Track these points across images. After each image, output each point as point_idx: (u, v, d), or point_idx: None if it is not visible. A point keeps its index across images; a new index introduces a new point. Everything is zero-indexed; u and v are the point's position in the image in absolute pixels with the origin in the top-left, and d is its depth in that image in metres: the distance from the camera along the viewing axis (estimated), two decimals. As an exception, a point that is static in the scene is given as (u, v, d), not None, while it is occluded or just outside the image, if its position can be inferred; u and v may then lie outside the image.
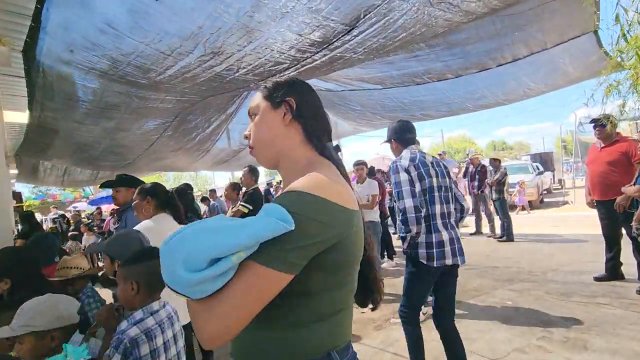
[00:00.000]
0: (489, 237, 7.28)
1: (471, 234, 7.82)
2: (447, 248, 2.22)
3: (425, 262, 2.19)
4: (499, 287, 4.24)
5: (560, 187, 18.43)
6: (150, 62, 2.59)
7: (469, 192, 7.81)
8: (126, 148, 5.89)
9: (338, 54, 2.96)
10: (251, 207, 3.75)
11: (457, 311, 2.67)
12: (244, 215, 3.71)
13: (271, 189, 10.26)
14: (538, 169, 13.33)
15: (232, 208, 4.08)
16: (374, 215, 4.99)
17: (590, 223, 5.74)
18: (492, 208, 7.37)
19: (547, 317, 3.26)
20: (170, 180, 23.23)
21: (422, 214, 2.19)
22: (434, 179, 2.24)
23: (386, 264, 5.77)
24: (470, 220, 8.62)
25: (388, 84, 5.48)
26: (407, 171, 2.23)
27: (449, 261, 2.21)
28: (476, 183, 7.61)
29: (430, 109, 6.45)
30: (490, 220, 7.44)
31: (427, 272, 2.23)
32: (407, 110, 6.50)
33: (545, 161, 16.66)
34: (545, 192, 14.10)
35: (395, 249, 5.99)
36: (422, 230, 2.19)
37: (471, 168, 7.72)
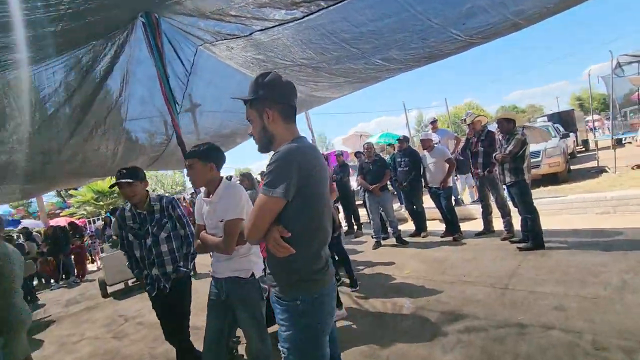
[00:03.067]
0: (505, 239, 4.85)
1: (477, 235, 5.39)
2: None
3: None
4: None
5: (584, 149, 15.80)
6: None
7: (472, 174, 5.33)
8: None
9: None
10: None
11: None
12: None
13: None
14: (560, 131, 10.61)
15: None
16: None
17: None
18: (506, 195, 4.89)
19: None
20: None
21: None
22: None
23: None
24: (475, 209, 6.16)
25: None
26: None
27: None
28: (481, 160, 5.11)
29: (392, 48, 3.94)
30: (506, 214, 4.98)
31: None
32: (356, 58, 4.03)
33: (565, 121, 13.84)
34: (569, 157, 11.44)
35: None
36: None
37: (472, 138, 5.20)
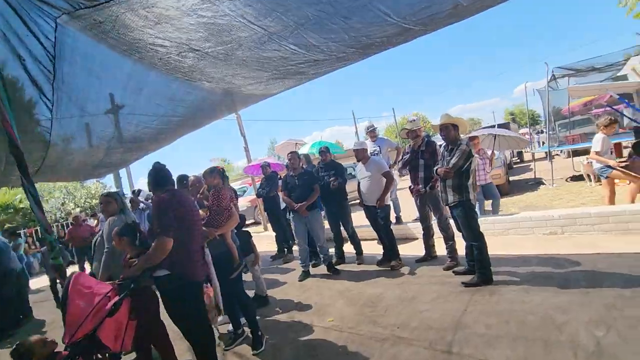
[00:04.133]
0: (448, 268, 4.09)
1: (418, 261, 4.60)
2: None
3: None
4: None
5: (519, 161, 16.43)
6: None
7: (411, 191, 4.54)
8: None
9: None
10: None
11: None
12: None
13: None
14: (499, 142, 10.54)
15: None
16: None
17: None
18: (449, 216, 4.14)
19: None
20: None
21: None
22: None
23: None
24: (415, 227, 5.41)
25: None
26: None
27: None
28: (422, 174, 4.34)
29: (307, 30, 2.99)
30: (449, 238, 4.24)
31: None
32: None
33: (502, 133, 14.17)
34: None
35: None
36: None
37: (408, 148, 4.42)
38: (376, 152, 6.02)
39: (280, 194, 5.10)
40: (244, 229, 4.41)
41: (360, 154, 4.83)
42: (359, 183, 4.94)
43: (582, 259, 3.62)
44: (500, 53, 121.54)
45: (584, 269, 3.41)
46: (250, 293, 4.09)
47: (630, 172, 4.77)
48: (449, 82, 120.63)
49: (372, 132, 6.16)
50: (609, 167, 4.84)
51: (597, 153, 4.94)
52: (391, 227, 5.90)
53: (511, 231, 4.91)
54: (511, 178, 10.40)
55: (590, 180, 7.73)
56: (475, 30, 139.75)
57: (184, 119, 5.56)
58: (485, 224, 5.14)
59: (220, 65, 3.86)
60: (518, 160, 16.21)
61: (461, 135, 3.87)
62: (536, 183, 9.12)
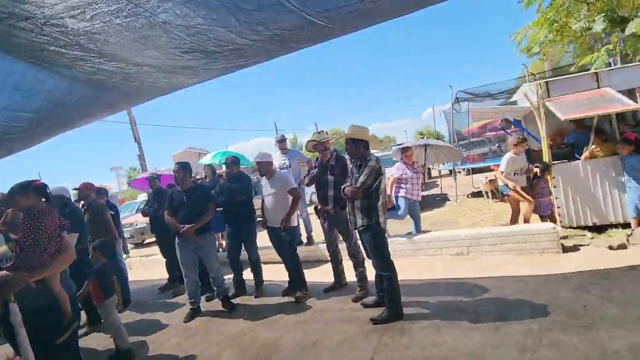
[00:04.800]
0: (357, 299, 3.62)
1: (326, 290, 4.07)
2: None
3: None
4: None
5: (428, 176, 17.64)
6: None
7: (318, 212, 4.01)
8: None
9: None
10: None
11: None
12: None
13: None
14: (410, 158, 10.99)
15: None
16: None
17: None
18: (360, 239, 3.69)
19: None
20: None
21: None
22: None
23: None
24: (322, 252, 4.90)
25: None
26: None
27: None
28: (331, 193, 3.85)
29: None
30: (359, 264, 3.80)
31: None
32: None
33: (413, 150, 15.10)
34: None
35: None
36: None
37: (315, 162, 3.92)
38: (285, 165, 5.43)
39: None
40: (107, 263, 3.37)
41: (264, 168, 4.17)
42: (263, 201, 4.26)
43: (490, 283, 3.47)
44: (414, 76, 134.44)
45: (491, 296, 3.22)
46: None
47: (523, 194, 4.98)
48: (370, 100, 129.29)
49: (281, 142, 5.54)
50: (508, 186, 5.01)
51: (502, 173, 5.07)
52: (305, 246, 5.33)
53: (421, 252, 4.72)
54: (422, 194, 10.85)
55: (489, 197, 8.30)
56: (395, 52, 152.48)
57: (42, 116, 4.26)
58: (395, 244, 4.90)
59: (73, 46, 2.87)
60: (427, 177, 17.42)
61: (372, 151, 3.49)
62: (442, 199, 9.58)
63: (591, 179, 4.80)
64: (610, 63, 6.25)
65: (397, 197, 5.33)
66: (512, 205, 5.22)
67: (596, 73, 4.90)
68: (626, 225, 4.52)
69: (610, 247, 3.85)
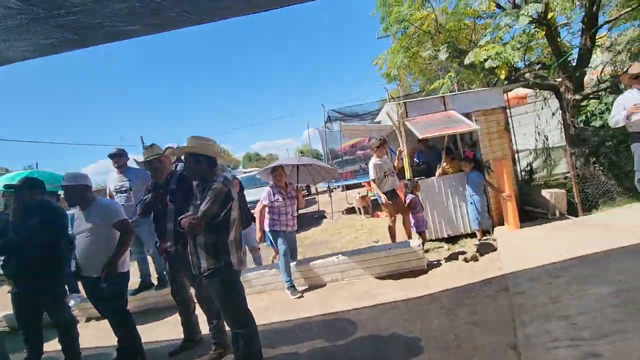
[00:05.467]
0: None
1: (172, 354, 3.07)
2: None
3: None
4: None
5: (307, 193, 17.82)
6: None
7: (157, 250, 3.03)
8: None
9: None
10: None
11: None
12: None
13: None
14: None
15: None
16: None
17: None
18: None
19: None
20: None
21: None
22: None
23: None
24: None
25: None
26: None
27: None
28: (170, 225, 2.91)
29: None
30: (213, 316, 2.95)
31: None
32: None
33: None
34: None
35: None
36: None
37: (151, 186, 2.98)
38: (124, 188, 4.20)
39: None
40: None
41: (74, 195, 2.95)
42: (71, 243, 3.01)
43: (364, 315, 3.14)
44: (294, 98, 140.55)
45: (366, 332, 2.84)
46: None
47: (390, 209, 4.97)
48: (253, 118, 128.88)
49: (116, 157, 4.23)
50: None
51: (373, 181, 4.92)
52: (155, 290, 4.23)
53: (296, 282, 4.16)
54: (300, 211, 10.59)
55: (361, 213, 8.52)
56: (281, 70, 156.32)
57: None
58: (267, 277, 4.24)
59: None
60: (306, 193, 17.55)
61: (225, 167, 2.77)
62: (320, 217, 9.48)
63: (444, 194, 5.17)
64: (455, 89, 7.19)
65: (270, 231, 4.30)
66: (390, 219, 5.04)
67: (443, 97, 5.39)
68: (474, 235, 4.97)
69: (466, 260, 4.04)
